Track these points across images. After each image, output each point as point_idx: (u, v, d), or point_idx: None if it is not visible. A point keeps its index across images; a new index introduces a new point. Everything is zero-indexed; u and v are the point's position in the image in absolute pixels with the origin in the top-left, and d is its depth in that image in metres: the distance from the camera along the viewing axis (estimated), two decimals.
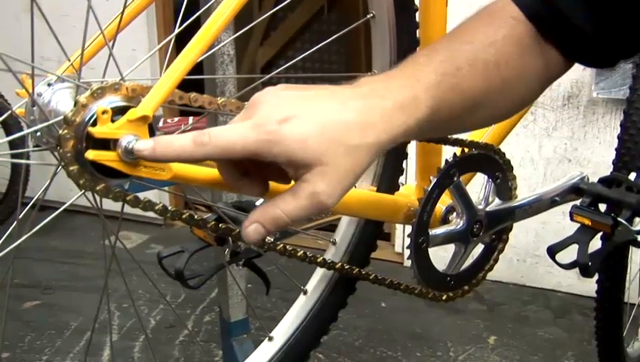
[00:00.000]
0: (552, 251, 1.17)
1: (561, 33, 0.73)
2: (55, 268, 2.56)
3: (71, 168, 0.69)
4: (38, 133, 0.78)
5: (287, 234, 1.07)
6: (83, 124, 0.69)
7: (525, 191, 1.17)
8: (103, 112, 0.68)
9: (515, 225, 1.15)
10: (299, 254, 0.89)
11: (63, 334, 2.12)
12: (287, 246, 0.88)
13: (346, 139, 0.61)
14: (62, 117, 0.69)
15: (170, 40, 0.79)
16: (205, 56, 0.77)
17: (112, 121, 0.69)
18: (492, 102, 0.73)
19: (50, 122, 0.71)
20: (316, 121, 0.61)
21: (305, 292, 1.05)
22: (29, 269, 2.53)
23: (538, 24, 0.73)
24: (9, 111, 0.75)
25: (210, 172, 0.76)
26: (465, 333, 2.18)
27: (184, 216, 0.78)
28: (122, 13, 0.78)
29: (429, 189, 1.02)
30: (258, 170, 0.67)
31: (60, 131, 0.68)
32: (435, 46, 0.72)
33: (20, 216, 0.80)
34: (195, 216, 0.80)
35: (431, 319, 2.24)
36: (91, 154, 0.68)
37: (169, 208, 0.77)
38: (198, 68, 1.00)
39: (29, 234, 0.76)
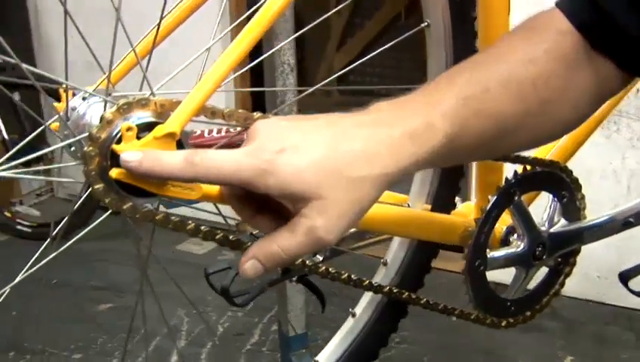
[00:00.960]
0: (625, 277, 1.09)
1: (615, 42, 0.65)
2: (129, 271, 2.59)
3: (96, 186, 0.67)
4: (72, 148, 0.76)
5: (336, 253, 1.03)
6: (108, 141, 0.66)
7: (608, 205, 1.08)
8: (128, 129, 0.65)
9: None
10: (343, 277, 0.84)
11: (134, 337, 2.11)
12: (330, 269, 0.83)
13: (347, 171, 0.57)
14: (86, 133, 0.66)
15: (209, 49, 0.76)
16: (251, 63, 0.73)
17: (139, 137, 0.66)
18: (529, 125, 0.66)
19: (77, 138, 0.69)
20: (315, 151, 0.58)
21: (353, 315, 1.00)
22: (104, 272, 2.56)
23: (588, 34, 0.66)
24: (42, 127, 0.73)
25: None
26: (539, 352, 2.07)
27: (217, 237, 0.75)
28: (158, 26, 0.76)
29: (487, 209, 0.96)
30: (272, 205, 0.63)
31: (85, 148, 0.66)
32: (460, 66, 0.67)
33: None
34: (230, 237, 0.76)
35: (504, 335, 2.14)
36: (115, 173, 0.65)
37: (202, 228, 0.74)
38: (259, 76, 0.96)
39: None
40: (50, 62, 2.94)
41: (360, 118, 0.61)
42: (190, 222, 0.73)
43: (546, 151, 1.05)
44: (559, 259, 1.06)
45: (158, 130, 0.66)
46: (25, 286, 0.76)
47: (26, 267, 0.76)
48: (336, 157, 0.58)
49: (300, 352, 1.56)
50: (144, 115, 0.68)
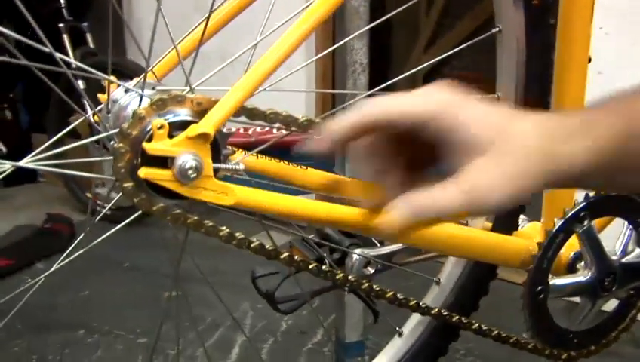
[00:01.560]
0: None
1: None
2: (200, 260, 2.58)
3: (125, 185, 0.64)
4: (112, 141, 0.73)
5: (386, 267, 0.98)
6: (139, 138, 0.63)
7: None
8: (160, 127, 0.62)
9: None
10: (388, 295, 0.79)
11: (197, 327, 2.13)
12: (374, 286, 0.78)
13: (522, 140, 0.57)
14: (118, 129, 0.63)
15: (255, 45, 0.72)
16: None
17: (171, 136, 0.63)
18: None
19: (107, 134, 0.66)
20: (501, 115, 0.58)
21: (400, 334, 0.94)
22: (173, 260, 2.57)
23: None
24: (82, 118, 0.71)
25: (281, 199, 0.68)
26: None
27: (253, 245, 0.71)
28: (207, 19, 0.72)
29: (552, 233, 0.88)
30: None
31: (115, 144, 0.63)
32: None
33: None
34: (267, 246, 0.72)
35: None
36: (143, 172, 0.62)
37: (236, 235, 0.70)
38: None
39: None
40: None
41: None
42: (224, 227, 0.70)
43: None
44: (631, 291, 0.97)
45: (192, 130, 0.63)
46: (98, 268, 0.76)
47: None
48: (515, 123, 0.58)
49: (355, 359, 1.52)
50: (179, 113, 0.65)
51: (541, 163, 0.58)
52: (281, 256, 0.73)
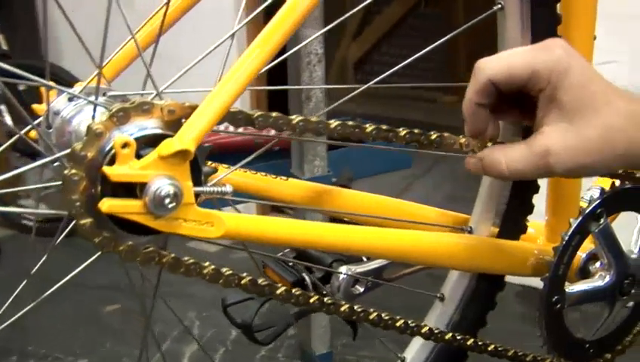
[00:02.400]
0: None
1: None
2: (138, 271, 2.46)
3: (82, 222, 0.49)
4: (56, 163, 0.58)
5: (377, 284, 0.86)
6: (97, 160, 0.49)
7: None
8: (124, 145, 0.48)
9: None
10: (371, 317, 0.67)
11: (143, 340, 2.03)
12: (356, 308, 0.66)
13: (610, 119, 0.58)
14: (68, 150, 0.49)
15: (233, 35, 0.58)
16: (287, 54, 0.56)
17: (138, 156, 0.49)
18: None
19: (53, 157, 0.51)
20: (603, 89, 0.59)
21: (402, 361, 0.82)
22: (110, 271, 2.42)
23: None
24: (17, 135, 0.56)
25: (281, 224, 0.55)
26: None
27: (243, 282, 0.57)
28: (166, 7, 0.58)
29: (568, 236, 0.78)
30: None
31: (66, 171, 0.48)
32: None
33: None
34: (260, 281, 0.58)
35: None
36: (106, 205, 0.48)
37: (222, 271, 0.56)
38: (280, 69, 0.79)
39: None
40: (58, 51, 2.75)
41: None
42: (207, 263, 0.56)
43: None
44: None
45: (165, 147, 0.49)
46: (27, 286, 0.63)
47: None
48: (610, 102, 0.59)
49: None
50: (146, 125, 0.51)
51: (621, 147, 0.59)
52: (278, 292, 0.60)
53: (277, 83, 1.03)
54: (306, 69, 1.28)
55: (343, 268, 0.85)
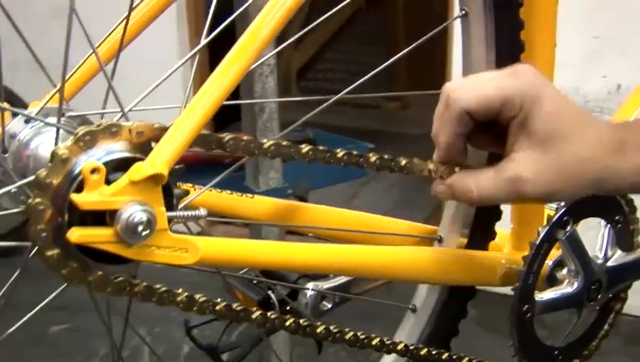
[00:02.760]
0: None
1: None
2: (83, 288, 2.40)
3: (48, 253, 0.46)
4: (14, 190, 0.54)
5: (345, 300, 0.84)
6: (63, 188, 0.46)
7: None
8: (93, 171, 0.45)
9: None
10: (347, 337, 0.65)
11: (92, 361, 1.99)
12: (332, 329, 0.64)
13: (580, 147, 0.59)
14: (32, 177, 0.46)
15: (196, 54, 0.55)
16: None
17: (108, 182, 0.46)
18: None
19: (16, 185, 0.48)
20: (574, 116, 0.60)
21: None
22: (54, 290, 2.37)
23: None
24: None
25: (259, 247, 0.53)
26: None
27: (218, 308, 0.55)
28: (126, 23, 0.55)
29: (537, 244, 0.77)
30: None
31: (30, 200, 0.45)
32: None
33: None
34: (234, 306, 0.56)
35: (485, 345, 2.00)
36: (75, 235, 0.45)
37: (196, 298, 0.54)
38: None
39: None
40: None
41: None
42: (180, 291, 0.53)
43: None
44: (610, 296, 0.89)
45: (136, 172, 0.46)
46: None
47: None
48: (579, 128, 0.59)
49: None
50: (113, 149, 0.48)
51: (594, 175, 0.60)
52: (253, 317, 0.57)
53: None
54: (258, 80, 1.26)
55: (310, 285, 0.83)
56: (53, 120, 0.52)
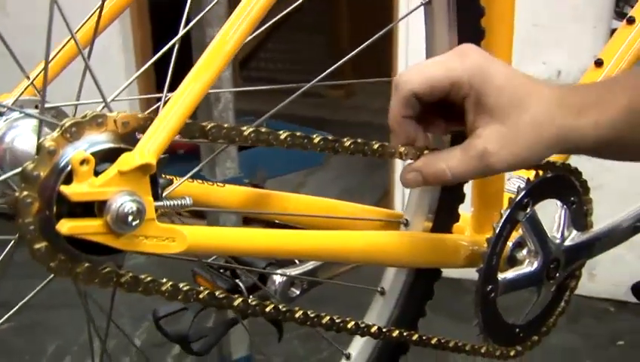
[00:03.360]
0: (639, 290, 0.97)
1: None
2: (26, 284, 2.34)
3: (36, 246, 0.46)
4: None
5: (313, 285, 0.85)
6: (52, 180, 0.45)
7: None
8: (82, 162, 0.45)
9: None
10: (324, 321, 0.66)
11: (40, 360, 1.99)
12: (309, 313, 0.66)
13: (536, 111, 0.61)
14: (19, 169, 0.45)
15: (175, 44, 0.55)
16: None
17: (96, 173, 0.46)
18: None
19: (5, 176, 0.48)
20: (522, 84, 0.62)
21: (348, 357, 0.82)
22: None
23: None
24: None
25: (238, 236, 0.54)
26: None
27: (202, 296, 0.55)
28: (101, 8, 0.55)
29: (500, 225, 0.80)
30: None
31: (17, 193, 0.45)
32: None
33: None
34: (217, 294, 0.56)
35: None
36: (66, 227, 0.45)
37: (181, 287, 0.54)
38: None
39: None
40: None
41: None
42: (165, 280, 0.53)
43: None
44: (566, 274, 0.92)
45: (125, 162, 0.46)
46: None
47: None
48: (533, 94, 0.62)
49: None
50: (100, 140, 0.48)
51: (554, 136, 0.62)
52: (235, 304, 0.58)
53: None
54: None
55: (279, 271, 0.84)
56: (30, 112, 0.52)
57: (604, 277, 2.14)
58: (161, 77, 0.55)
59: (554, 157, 0.88)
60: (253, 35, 0.70)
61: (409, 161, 0.66)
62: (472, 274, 0.82)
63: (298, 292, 0.85)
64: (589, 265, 0.93)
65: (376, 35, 0.77)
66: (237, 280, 0.86)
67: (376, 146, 0.65)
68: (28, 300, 0.53)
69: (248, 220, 1.37)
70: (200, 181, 0.72)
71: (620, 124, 0.63)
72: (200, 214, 1.36)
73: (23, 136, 0.54)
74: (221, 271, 0.87)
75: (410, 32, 2.11)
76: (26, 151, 0.54)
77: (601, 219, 0.94)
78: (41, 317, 2.17)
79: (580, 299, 2.21)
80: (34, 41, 0.77)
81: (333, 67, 0.71)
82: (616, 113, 0.63)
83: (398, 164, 0.66)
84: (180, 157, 1.62)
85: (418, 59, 0.68)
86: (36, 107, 0.55)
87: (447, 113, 0.66)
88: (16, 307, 0.52)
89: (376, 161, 3.02)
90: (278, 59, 4.30)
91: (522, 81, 0.63)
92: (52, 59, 0.60)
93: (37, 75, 0.56)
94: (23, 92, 0.55)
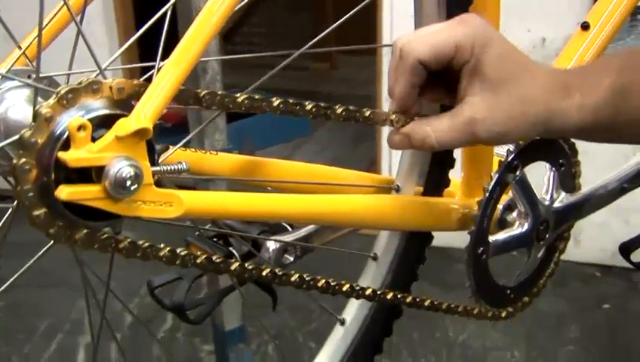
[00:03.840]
0: (627, 249, 0.98)
1: None
2: (14, 263, 2.33)
3: (35, 213, 0.46)
4: None
5: (307, 251, 0.86)
6: (49, 147, 0.46)
7: None
8: (79, 128, 0.45)
9: None
10: (320, 284, 0.67)
11: (32, 338, 1.94)
12: (305, 276, 0.66)
13: (527, 88, 0.62)
14: (16, 137, 0.45)
15: (166, 12, 0.55)
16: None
17: (93, 139, 0.46)
18: None
19: (2, 144, 0.48)
20: (520, 60, 0.64)
21: (342, 322, 0.83)
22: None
23: None
24: None
25: (235, 199, 0.54)
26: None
27: (199, 261, 0.56)
28: None
29: (490, 188, 0.81)
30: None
31: (15, 160, 0.45)
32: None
33: None
34: (214, 258, 0.57)
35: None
36: (65, 192, 0.45)
37: (178, 252, 0.55)
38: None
39: None
40: None
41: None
42: (163, 246, 0.54)
43: None
44: (555, 236, 0.94)
45: (122, 127, 0.46)
46: None
47: None
48: (527, 71, 0.63)
49: (236, 347, 1.42)
50: (96, 106, 0.48)
51: (539, 114, 0.63)
52: (232, 268, 0.58)
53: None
54: None
55: (272, 238, 0.85)
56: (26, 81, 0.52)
57: (590, 242, 2.16)
58: (144, 50, 0.55)
59: None
60: (240, 5, 0.70)
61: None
62: (460, 242, 0.83)
63: (292, 259, 0.86)
64: (575, 231, 0.94)
65: (361, 4, 0.77)
66: (231, 248, 0.86)
67: (367, 113, 0.65)
68: (30, 265, 0.53)
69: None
70: (193, 149, 0.72)
71: (603, 107, 0.64)
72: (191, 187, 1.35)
73: (17, 107, 0.54)
74: (214, 239, 0.88)
75: (395, 5, 2.11)
76: (20, 120, 0.54)
77: (588, 184, 0.95)
78: (29, 297, 2.16)
79: (566, 265, 2.23)
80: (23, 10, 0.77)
81: (318, 37, 0.71)
82: (600, 96, 0.64)
83: (385, 136, 0.67)
84: (168, 129, 1.62)
85: (402, 32, 0.67)
86: (29, 77, 0.55)
87: (440, 83, 0.67)
88: (16, 275, 0.52)
89: (363, 132, 3.04)
90: (262, 35, 4.28)
91: (520, 58, 0.64)
92: (44, 27, 0.60)
93: (29, 45, 0.56)
94: (15, 61, 0.55)
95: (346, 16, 0.76)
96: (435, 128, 0.63)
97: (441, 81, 0.66)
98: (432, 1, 0.76)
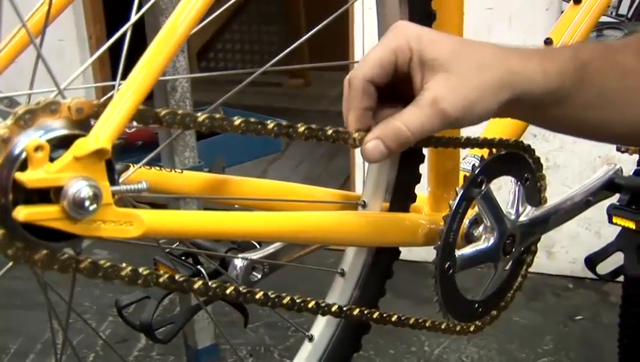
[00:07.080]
0: (592, 262, 0.99)
1: None
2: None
3: None
4: None
5: (274, 268, 0.86)
6: (6, 168, 0.46)
7: None
8: (36, 148, 0.45)
9: None
10: (285, 301, 0.67)
11: (3, 358, 1.97)
12: (270, 294, 0.66)
13: (478, 57, 0.63)
14: None
15: (127, 30, 0.56)
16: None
17: (51, 159, 0.46)
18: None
19: None
20: (457, 38, 0.66)
21: (310, 339, 0.83)
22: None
23: None
24: None
25: (195, 218, 0.54)
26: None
27: (162, 280, 0.56)
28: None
29: (456, 203, 0.81)
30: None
31: None
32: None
33: None
34: (177, 277, 0.57)
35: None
36: (23, 214, 0.45)
37: (141, 271, 0.54)
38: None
39: None
40: None
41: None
42: (125, 265, 0.54)
43: (496, 131, 0.93)
44: (522, 249, 0.94)
45: (80, 147, 0.46)
46: None
47: None
48: (474, 47, 0.64)
49: None
50: (54, 126, 0.48)
51: (501, 76, 0.63)
52: (195, 287, 0.58)
53: None
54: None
55: (239, 256, 0.85)
56: None
57: (562, 254, 2.19)
58: (118, 66, 0.55)
59: (507, 135, 0.91)
60: (207, 21, 0.70)
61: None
62: (433, 256, 0.83)
63: (259, 276, 0.86)
64: (547, 243, 0.96)
65: (332, 16, 0.78)
66: (199, 267, 0.86)
67: (330, 132, 0.66)
68: None
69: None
70: (158, 168, 0.72)
71: (566, 71, 0.64)
72: (161, 205, 1.36)
73: None
74: (183, 258, 0.88)
75: (367, 21, 2.13)
76: None
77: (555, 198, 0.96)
78: (0, 318, 2.15)
79: (539, 277, 2.27)
80: None
81: (289, 48, 0.72)
82: (564, 62, 0.64)
83: (359, 151, 0.67)
84: (138, 148, 1.62)
85: None
86: None
87: (390, 102, 0.67)
88: None
89: (337, 147, 3.05)
90: (236, 50, 4.28)
91: (458, 37, 0.67)
92: (2, 49, 0.60)
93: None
94: None
95: (314, 29, 0.77)
96: (404, 119, 0.62)
97: (397, 97, 0.66)
98: (396, 19, 0.77)
